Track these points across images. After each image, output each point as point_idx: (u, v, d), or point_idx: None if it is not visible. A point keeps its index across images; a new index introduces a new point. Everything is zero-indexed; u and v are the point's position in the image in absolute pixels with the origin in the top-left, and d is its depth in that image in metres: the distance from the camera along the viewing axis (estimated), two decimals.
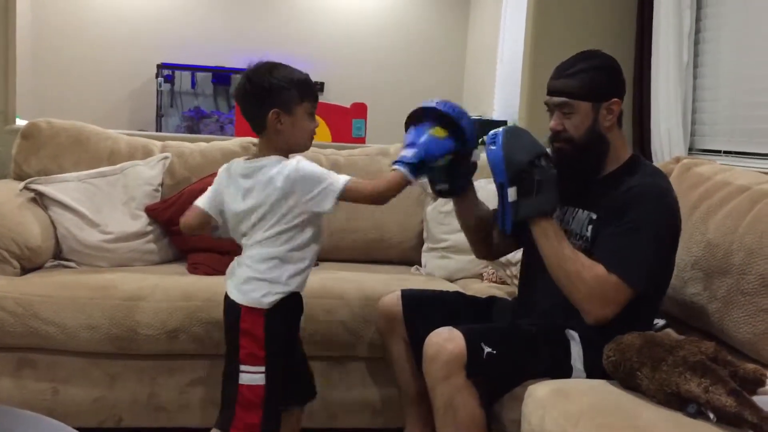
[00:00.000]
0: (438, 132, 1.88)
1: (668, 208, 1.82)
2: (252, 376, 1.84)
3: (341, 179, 1.83)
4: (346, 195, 1.83)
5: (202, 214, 1.95)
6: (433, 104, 1.92)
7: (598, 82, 1.86)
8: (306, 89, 1.88)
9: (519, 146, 1.82)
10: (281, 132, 1.85)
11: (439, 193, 2.08)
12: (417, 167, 1.86)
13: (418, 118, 1.94)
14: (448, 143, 1.88)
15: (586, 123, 1.87)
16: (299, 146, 1.91)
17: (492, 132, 1.86)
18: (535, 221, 1.83)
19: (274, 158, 1.86)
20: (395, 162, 1.88)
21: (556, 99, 1.88)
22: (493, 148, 1.83)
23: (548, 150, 1.89)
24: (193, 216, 1.97)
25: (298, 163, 1.83)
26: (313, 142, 1.96)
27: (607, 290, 1.75)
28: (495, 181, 1.86)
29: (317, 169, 1.83)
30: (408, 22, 6.97)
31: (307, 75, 1.90)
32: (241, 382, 1.84)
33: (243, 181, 1.87)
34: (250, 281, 1.85)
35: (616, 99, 1.87)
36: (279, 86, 1.83)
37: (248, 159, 1.91)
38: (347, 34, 6.89)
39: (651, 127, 3.12)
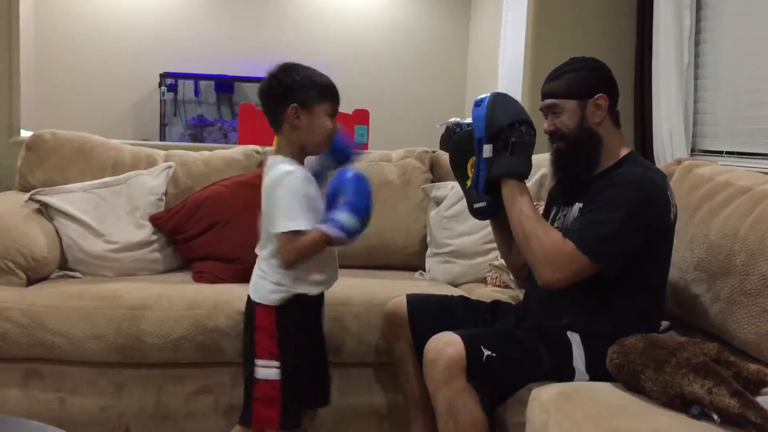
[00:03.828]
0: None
1: (645, 195, 1.82)
2: (268, 371, 1.89)
3: (285, 226, 1.81)
4: (279, 241, 1.84)
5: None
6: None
7: (581, 79, 1.92)
8: (326, 90, 1.92)
9: (502, 109, 1.92)
10: (298, 128, 1.89)
11: (477, 213, 2.08)
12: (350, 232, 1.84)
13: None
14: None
15: (574, 119, 1.91)
16: (315, 145, 1.93)
17: (481, 95, 1.95)
18: (506, 181, 1.90)
19: (279, 158, 1.91)
20: (328, 221, 1.83)
21: (546, 101, 1.96)
22: (478, 107, 1.93)
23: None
24: None
25: (284, 177, 1.84)
26: None
27: (562, 255, 1.79)
28: (474, 138, 1.95)
29: (287, 201, 1.82)
30: (410, 28, 6.99)
31: (329, 78, 1.95)
32: (258, 376, 1.89)
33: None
34: (259, 280, 1.93)
35: (601, 94, 1.91)
36: (300, 83, 1.89)
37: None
38: (349, 41, 6.91)
39: (653, 129, 3.13)
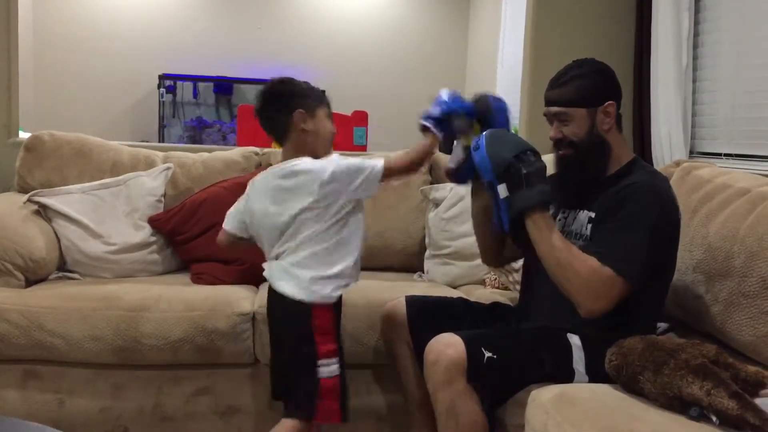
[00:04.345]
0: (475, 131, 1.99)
1: (663, 205, 1.82)
2: (330, 368, 1.94)
3: (376, 166, 1.94)
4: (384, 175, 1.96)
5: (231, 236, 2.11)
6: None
7: (591, 87, 1.89)
8: (321, 96, 2.04)
9: (502, 144, 1.84)
10: (307, 132, 1.97)
11: (453, 176, 2.05)
12: (441, 120, 1.98)
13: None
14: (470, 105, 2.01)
15: (584, 128, 1.89)
16: (323, 147, 2.01)
17: (475, 139, 1.90)
18: (529, 214, 1.83)
19: (292, 161, 1.96)
20: (424, 118, 1.99)
21: (553, 109, 1.92)
22: (477, 151, 1.86)
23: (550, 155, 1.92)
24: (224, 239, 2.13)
25: (319, 161, 1.95)
26: None
27: (600, 283, 1.76)
28: (485, 184, 1.88)
29: (347, 161, 1.94)
30: (408, 29, 7.00)
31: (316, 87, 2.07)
32: (321, 376, 1.93)
33: (283, 182, 1.96)
34: (311, 284, 1.94)
35: (610, 102, 1.89)
36: (300, 91, 2.00)
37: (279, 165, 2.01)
38: (348, 42, 6.92)
39: (651, 131, 3.13)
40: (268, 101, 2.00)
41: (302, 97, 1.99)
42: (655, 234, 1.79)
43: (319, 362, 1.93)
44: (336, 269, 1.95)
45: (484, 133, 1.88)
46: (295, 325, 1.96)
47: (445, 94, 2.02)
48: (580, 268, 1.77)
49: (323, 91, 2.06)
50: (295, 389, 1.98)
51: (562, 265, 1.79)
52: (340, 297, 2.03)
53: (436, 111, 1.99)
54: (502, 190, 1.82)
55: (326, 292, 1.94)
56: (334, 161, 1.93)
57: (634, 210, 1.80)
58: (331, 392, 1.93)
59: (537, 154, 1.84)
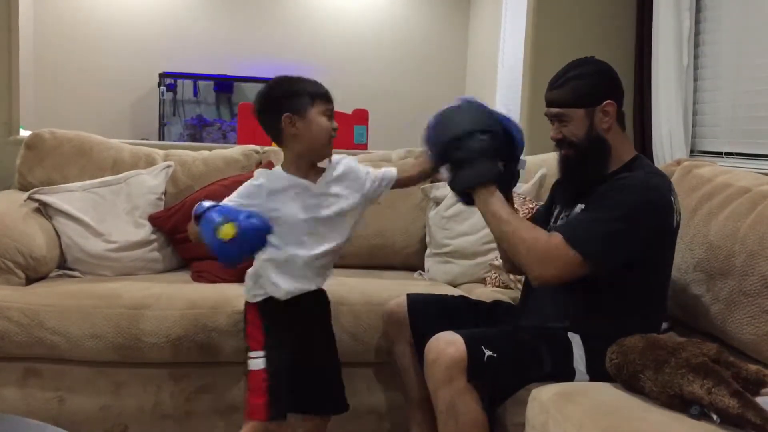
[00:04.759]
0: None
1: (650, 199, 1.81)
2: (255, 361, 1.93)
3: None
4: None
5: None
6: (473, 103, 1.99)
7: (589, 87, 1.89)
8: (314, 93, 1.94)
9: (443, 127, 1.91)
10: (297, 136, 1.92)
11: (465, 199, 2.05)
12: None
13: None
14: None
15: (583, 128, 1.89)
16: (318, 148, 1.95)
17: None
18: (475, 191, 1.89)
19: (274, 170, 1.98)
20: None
21: (553, 110, 1.93)
22: (426, 134, 1.95)
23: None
24: None
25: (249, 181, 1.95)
26: None
27: (548, 249, 1.78)
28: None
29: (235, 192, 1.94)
30: (409, 28, 6.99)
31: (317, 82, 1.97)
32: (250, 368, 1.94)
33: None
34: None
35: (609, 101, 1.89)
36: (287, 93, 1.92)
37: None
38: (348, 41, 6.92)
39: (652, 130, 3.13)
40: (257, 103, 1.97)
41: (290, 100, 1.91)
42: (625, 223, 1.78)
43: (249, 353, 1.95)
44: (250, 280, 2.00)
45: (439, 111, 1.95)
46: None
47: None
48: (525, 236, 1.82)
49: (318, 85, 1.97)
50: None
51: (508, 235, 1.84)
52: (296, 305, 1.99)
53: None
54: (444, 172, 1.93)
55: (245, 289, 2.01)
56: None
57: (612, 197, 1.81)
58: (255, 386, 1.91)
59: (488, 132, 1.87)
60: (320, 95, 1.94)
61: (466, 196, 1.94)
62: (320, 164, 1.98)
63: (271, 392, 1.91)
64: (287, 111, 1.89)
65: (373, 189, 2.03)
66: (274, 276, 1.94)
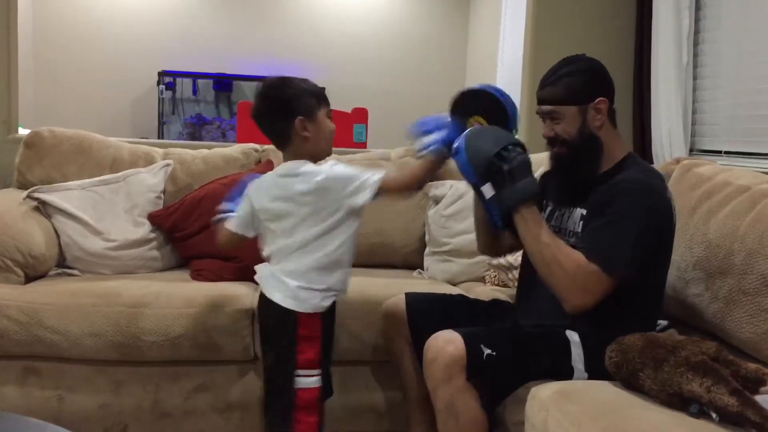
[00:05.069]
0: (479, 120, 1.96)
1: (652, 204, 1.82)
2: (310, 380, 1.92)
3: (372, 180, 1.90)
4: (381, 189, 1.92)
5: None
6: (486, 89, 1.98)
7: (580, 84, 1.89)
8: (319, 94, 1.96)
9: (480, 144, 1.82)
10: (308, 139, 1.92)
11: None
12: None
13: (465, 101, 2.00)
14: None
15: (575, 126, 1.89)
16: (324, 151, 1.98)
17: (455, 143, 1.87)
18: (516, 209, 1.83)
19: (295, 163, 1.94)
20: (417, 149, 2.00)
21: (544, 108, 1.93)
22: (457, 156, 1.84)
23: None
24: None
25: (320, 168, 1.91)
26: None
27: (587, 278, 1.77)
28: (471, 185, 1.89)
29: (346, 171, 1.92)
30: (408, 27, 6.99)
31: (313, 82, 1.98)
32: (298, 386, 1.91)
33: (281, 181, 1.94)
34: (301, 291, 1.91)
35: (601, 98, 1.89)
36: (298, 95, 1.91)
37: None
38: (347, 40, 6.92)
39: (652, 129, 3.13)
40: (267, 107, 1.93)
41: (302, 103, 1.90)
42: (644, 232, 1.79)
43: (298, 371, 1.90)
44: (324, 285, 1.93)
45: (463, 134, 1.86)
46: (282, 333, 1.94)
47: (418, 126, 2.03)
48: (566, 264, 1.78)
49: (322, 88, 2.00)
50: (272, 400, 1.97)
51: (548, 261, 1.80)
52: (333, 306, 2.00)
53: (421, 141, 2.00)
54: (487, 189, 1.82)
55: (315, 301, 1.92)
56: (331, 167, 1.91)
57: (623, 207, 1.80)
58: (309, 404, 1.90)
59: (520, 146, 1.83)
60: (323, 97, 1.95)
61: (507, 216, 1.85)
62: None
63: (322, 409, 1.94)
64: (300, 114, 1.89)
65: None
66: (341, 273, 1.95)
